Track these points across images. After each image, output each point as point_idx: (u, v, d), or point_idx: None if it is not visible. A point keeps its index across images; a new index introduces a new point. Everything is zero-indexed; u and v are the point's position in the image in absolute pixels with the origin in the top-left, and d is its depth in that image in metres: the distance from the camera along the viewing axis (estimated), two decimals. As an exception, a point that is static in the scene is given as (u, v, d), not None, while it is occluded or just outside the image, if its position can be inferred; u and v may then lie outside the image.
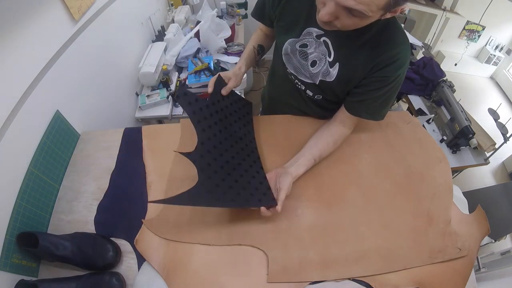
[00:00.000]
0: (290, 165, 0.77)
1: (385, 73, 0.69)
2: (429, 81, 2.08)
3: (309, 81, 0.81)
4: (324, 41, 0.73)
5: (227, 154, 0.74)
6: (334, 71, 0.75)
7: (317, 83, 0.80)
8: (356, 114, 0.79)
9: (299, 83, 0.85)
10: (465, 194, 0.86)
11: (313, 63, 0.77)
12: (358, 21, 0.57)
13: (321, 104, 0.88)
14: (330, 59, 0.74)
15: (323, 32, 0.72)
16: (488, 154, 1.82)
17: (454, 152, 1.81)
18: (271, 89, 1.05)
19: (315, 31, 0.73)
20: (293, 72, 0.83)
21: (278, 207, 0.66)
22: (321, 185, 0.81)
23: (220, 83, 0.82)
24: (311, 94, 0.85)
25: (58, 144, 0.87)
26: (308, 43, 0.76)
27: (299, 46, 0.77)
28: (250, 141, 0.83)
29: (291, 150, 0.85)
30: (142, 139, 0.93)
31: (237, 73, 0.86)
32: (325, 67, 0.76)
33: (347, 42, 0.70)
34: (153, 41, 1.69)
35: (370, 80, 0.72)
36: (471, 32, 3.71)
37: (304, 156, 0.78)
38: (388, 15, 0.57)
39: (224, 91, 0.82)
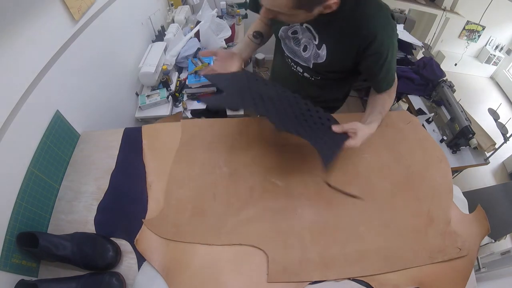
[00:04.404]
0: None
1: (374, 49, 0.72)
2: (429, 81, 2.08)
3: (304, 64, 0.86)
4: (306, 27, 0.78)
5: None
6: (323, 52, 0.78)
7: (311, 66, 0.84)
8: (382, 89, 0.82)
9: (295, 66, 0.89)
10: (465, 194, 0.86)
11: (305, 48, 0.82)
12: (289, 18, 0.66)
13: (318, 84, 0.91)
14: (316, 42, 0.78)
15: None
16: (488, 154, 1.82)
17: (454, 152, 1.81)
18: (272, 77, 1.09)
19: None
20: (290, 56, 0.88)
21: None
22: (321, 185, 0.81)
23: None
24: (308, 76, 0.89)
25: (58, 144, 0.87)
26: (297, 30, 0.81)
27: (291, 33, 0.83)
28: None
29: (291, 150, 0.85)
30: (142, 139, 0.93)
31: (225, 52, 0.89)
32: (314, 50, 0.80)
33: (325, 23, 0.74)
34: (153, 41, 1.69)
35: (367, 62, 0.76)
36: (471, 32, 3.70)
37: (372, 114, 0.82)
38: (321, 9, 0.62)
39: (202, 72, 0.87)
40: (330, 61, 0.79)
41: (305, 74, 0.89)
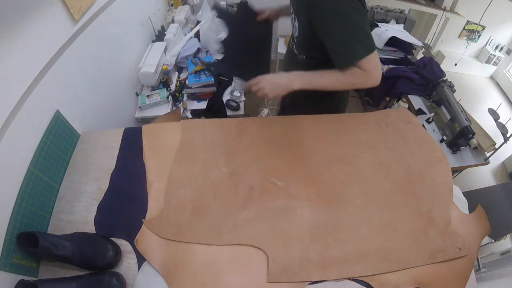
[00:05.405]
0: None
1: (312, 14, 0.74)
2: (429, 81, 2.08)
3: (294, 40, 0.91)
4: (292, 4, 0.85)
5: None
6: (296, 23, 0.84)
7: (295, 41, 0.90)
8: (339, 66, 0.76)
9: (292, 42, 0.95)
10: (465, 194, 0.86)
11: (292, 25, 0.88)
12: None
13: (305, 64, 0.92)
14: (293, 15, 0.84)
15: None
16: (488, 154, 1.82)
17: (454, 152, 1.81)
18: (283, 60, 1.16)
19: None
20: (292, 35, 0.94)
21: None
22: (321, 185, 0.81)
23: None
24: (297, 53, 0.94)
25: (58, 144, 0.87)
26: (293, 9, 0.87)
27: (291, 12, 0.89)
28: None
29: (291, 150, 0.85)
30: (142, 139, 0.93)
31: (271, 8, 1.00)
32: (294, 25, 0.86)
33: None
34: (153, 41, 1.69)
35: (317, 32, 0.76)
36: (471, 32, 3.70)
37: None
38: None
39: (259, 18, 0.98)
40: (300, 34, 0.84)
41: (295, 51, 0.94)
